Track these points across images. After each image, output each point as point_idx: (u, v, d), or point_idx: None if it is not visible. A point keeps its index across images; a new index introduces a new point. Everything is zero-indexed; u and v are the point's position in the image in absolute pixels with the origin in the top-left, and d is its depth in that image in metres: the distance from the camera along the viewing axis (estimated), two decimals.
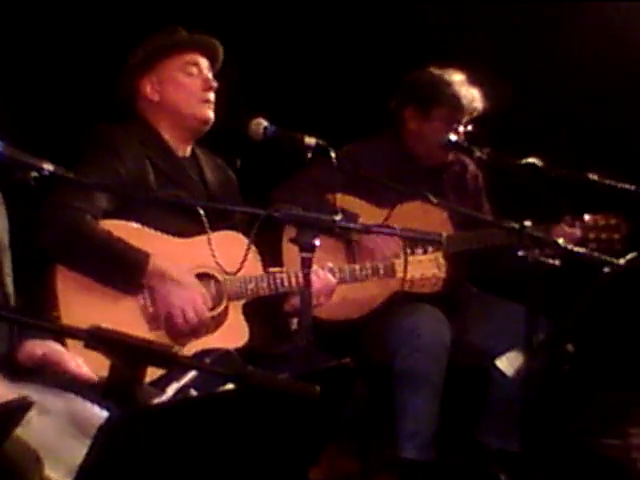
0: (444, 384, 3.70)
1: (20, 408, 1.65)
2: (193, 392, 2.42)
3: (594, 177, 3.59)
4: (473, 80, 3.89)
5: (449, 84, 3.87)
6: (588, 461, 4.15)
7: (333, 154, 2.98)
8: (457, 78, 3.89)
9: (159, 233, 3.15)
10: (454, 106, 3.87)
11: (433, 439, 3.70)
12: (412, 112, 3.96)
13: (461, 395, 3.90)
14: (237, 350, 3.10)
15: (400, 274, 3.36)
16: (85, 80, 4.04)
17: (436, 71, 3.93)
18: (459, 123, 3.90)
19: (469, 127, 3.92)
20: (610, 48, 4.43)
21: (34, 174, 2.35)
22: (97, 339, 1.68)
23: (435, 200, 3.13)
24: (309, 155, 3.01)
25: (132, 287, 3.09)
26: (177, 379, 2.54)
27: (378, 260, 3.54)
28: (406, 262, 2.95)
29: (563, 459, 4.10)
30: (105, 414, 2.34)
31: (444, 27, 4.49)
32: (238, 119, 3.15)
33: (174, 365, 1.73)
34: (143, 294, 3.12)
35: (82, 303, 3.03)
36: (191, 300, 3.08)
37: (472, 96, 3.87)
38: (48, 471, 2.21)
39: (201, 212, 3.03)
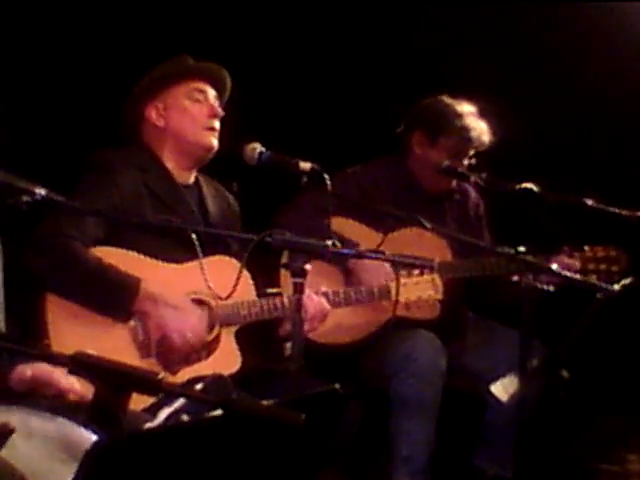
0: (440, 409, 3.70)
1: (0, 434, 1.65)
2: (185, 417, 2.42)
3: (590, 202, 3.60)
4: (480, 110, 3.90)
5: (460, 116, 3.88)
6: None
7: (328, 179, 2.99)
8: (469, 110, 3.90)
9: (151, 259, 3.14)
10: (463, 138, 3.88)
11: (428, 464, 3.69)
12: (420, 137, 3.97)
13: (457, 420, 3.89)
14: (230, 375, 3.09)
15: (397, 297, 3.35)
16: (89, 106, 4.06)
17: (448, 100, 3.95)
18: (465, 155, 3.91)
19: (473, 160, 3.93)
20: (610, 74, 4.45)
21: (26, 198, 2.36)
22: (80, 365, 1.68)
23: (429, 225, 3.14)
24: (304, 180, 3.02)
25: (123, 313, 3.07)
26: (169, 404, 2.54)
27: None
28: (398, 288, 2.95)
29: None
30: (95, 438, 2.34)
31: (442, 54, 4.51)
32: (235, 143, 3.17)
33: (158, 391, 1.73)
34: (134, 321, 3.10)
35: (72, 331, 3.02)
36: (187, 321, 3.08)
37: (481, 130, 3.88)
38: None
39: (193, 237, 3.03)
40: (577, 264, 3.82)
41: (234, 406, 1.73)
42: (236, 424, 1.86)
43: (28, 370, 2.55)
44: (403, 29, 4.56)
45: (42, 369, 2.55)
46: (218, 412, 1.81)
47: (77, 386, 2.51)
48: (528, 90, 4.50)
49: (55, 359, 1.88)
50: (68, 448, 2.38)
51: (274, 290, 3.32)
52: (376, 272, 3.66)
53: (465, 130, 3.87)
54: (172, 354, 3.10)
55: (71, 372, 1.71)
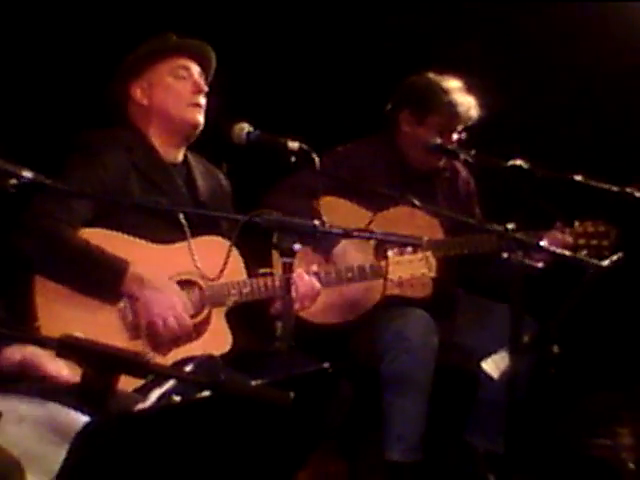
0: (432, 386, 3.71)
1: None
2: (176, 398, 2.42)
3: (579, 178, 3.60)
4: (467, 86, 3.90)
5: (447, 92, 3.87)
6: (578, 462, 4.14)
7: (316, 158, 2.98)
8: (455, 85, 3.89)
9: (140, 240, 3.13)
10: (450, 114, 3.88)
11: (421, 441, 3.70)
12: (408, 115, 3.96)
13: (449, 397, 3.90)
14: (221, 355, 3.09)
15: (388, 275, 3.35)
16: (75, 86, 4.04)
17: (435, 77, 3.94)
18: (453, 131, 3.91)
19: (462, 135, 3.92)
20: (598, 50, 4.45)
21: (13, 181, 2.35)
22: (68, 348, 1.68)
23: (418, 204, 3.13)
24: (293, 159, 3.02)
25: (111, 295, 3.06)
26: (160, 385, 2.54)
27: None
28: (387, 266, 2.94)
29: (553, 460, 4.10)
30: (86, 420, 2.34)
31: (429, 32, 4.50)
32: (223, 123, 3.15)
33: (145, 373, 1.73)
34: (123, 303, 3.09)
35: (61, 314, 3.01)
36: (172, 307, 3.06)
37: (468, 105, 3.88)
38: (30, 478, 2.22)
39: (181, 218, 3.02)
40: (570, 239, 3.83)
41: (223, 387, 1.73)
42: (226, 405, 1.86)
43: (17, 353, 2.56)
44: (389, 7, 4.54)
45: (30, 353, 2.56)
46: (208, 393, 1.82)
47: (64, 371, 2.52)
48: (516, 66, 4.50)
49: (43, 342, 1.88)
50: (59, 431, 2.38)
51: (266, 270, 3.32)
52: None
53: (452, 106, 3.87)
54: (159, 336, 3.10)
55: (59, 355, 1.71)
